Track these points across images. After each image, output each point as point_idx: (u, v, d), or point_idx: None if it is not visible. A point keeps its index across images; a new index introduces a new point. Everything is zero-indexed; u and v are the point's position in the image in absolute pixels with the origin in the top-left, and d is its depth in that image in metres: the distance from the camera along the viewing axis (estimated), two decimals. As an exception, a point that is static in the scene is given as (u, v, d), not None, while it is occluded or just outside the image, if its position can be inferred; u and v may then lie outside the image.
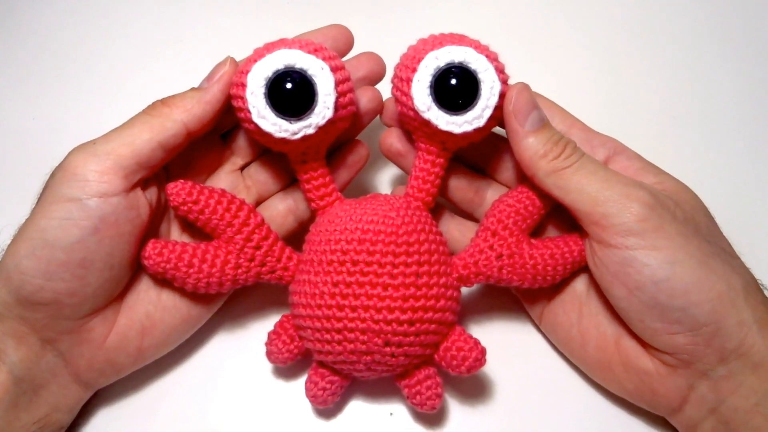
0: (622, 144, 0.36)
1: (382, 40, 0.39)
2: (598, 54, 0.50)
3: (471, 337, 0.34)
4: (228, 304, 0.38)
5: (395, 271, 0.32)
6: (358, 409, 0.37)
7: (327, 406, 0.36)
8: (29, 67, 0.49)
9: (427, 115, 0.33)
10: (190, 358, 0.38)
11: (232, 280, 0.34)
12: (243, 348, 0.38)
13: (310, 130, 0.32)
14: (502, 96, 0.33)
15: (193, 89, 0.34)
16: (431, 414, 0.36)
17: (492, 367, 0.36)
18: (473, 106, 0.33)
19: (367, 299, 0.32)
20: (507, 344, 0.38)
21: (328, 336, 0.33)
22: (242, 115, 0.33)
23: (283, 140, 0.33)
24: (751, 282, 0.32)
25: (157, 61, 0.41)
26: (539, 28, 0.51)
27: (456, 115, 0.33)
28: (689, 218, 0.33)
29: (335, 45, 0.36)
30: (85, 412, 0.36)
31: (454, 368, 0.33)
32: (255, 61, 0.33)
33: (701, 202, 0.34)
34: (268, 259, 0.35)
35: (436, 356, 0.34)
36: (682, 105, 0.47)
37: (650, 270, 0.31)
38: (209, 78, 0.34)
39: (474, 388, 0.37)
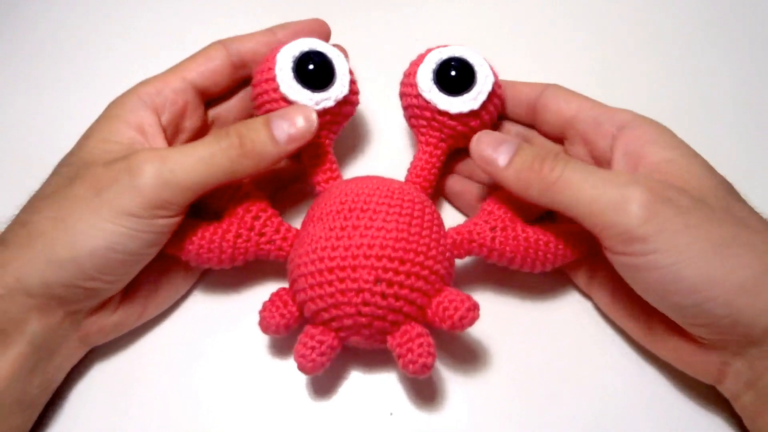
0: (633, 115, 0.36)
1: (382, 40, 0.39)
2: (599, 54, 0.50)
3: (464, 294, 0.34)
4: (226, 278, 0.39)
5: (389, 217, 0.34)
6: (357, 409, 0.36)
7: (316, 372, 0.34)
8: (29, 65, 0.49)
9: (428, 95, 0.37)
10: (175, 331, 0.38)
11: (233, 247, 0.36)
12: (239, 339, 0.38)
13: (330, 102, 0.37)
14: (494, 87, 0.38)
15: (269, 137, 0.34)
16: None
17: (496, 365, 0.37)
18: (469, 91, 0.37)
19: (360, 238, 0.33)
20: (509, 340, 0.37)
21: (320, 278, 0.33)
22: (266, 96, 0.37)
23: None
24: None
25: (158, 61, 0.41)
26: (537, 28, 0.51)
27: (453, 97, 0.37)
28: (697, 203, 0.31)
29: (314, 36, 0.39)
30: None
31: (446, 320, 0.33)
32: (279, 49, 0.38)
33: (716, 176, 0.33)
34: (267, 229, 0.36)
35: (429, 311, 0.34)
36: (682, 105, 0.47)
37: (658, 274, 0.30)
38: (288, 134, 0.35)
39: (476, 387, 0.36)
